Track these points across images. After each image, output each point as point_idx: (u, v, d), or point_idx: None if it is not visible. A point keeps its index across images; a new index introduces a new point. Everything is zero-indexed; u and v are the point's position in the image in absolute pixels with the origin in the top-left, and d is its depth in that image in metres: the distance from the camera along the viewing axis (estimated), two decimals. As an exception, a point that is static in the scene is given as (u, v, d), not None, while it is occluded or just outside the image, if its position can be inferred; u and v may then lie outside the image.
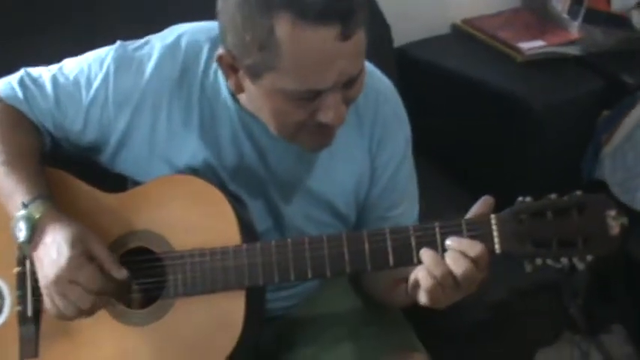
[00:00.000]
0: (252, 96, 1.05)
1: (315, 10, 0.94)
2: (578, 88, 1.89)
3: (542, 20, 2.03)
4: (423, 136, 1.69)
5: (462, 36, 2.08)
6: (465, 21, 2.09)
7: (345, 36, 0.96)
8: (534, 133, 1.83)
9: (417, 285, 1.02)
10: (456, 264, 0.98)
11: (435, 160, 1.82)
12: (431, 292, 1.00)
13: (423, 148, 1.73)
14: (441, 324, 1.45)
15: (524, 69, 1.91)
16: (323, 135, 1.07)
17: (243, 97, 1.10)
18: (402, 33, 1.95)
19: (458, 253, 0.99)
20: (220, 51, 1.03)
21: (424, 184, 1.40)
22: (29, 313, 1.11)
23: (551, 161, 1.87)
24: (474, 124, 1.89)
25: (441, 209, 1.20)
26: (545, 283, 1.59)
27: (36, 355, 1.11)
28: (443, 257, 0.99)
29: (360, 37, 0.99)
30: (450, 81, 1.93)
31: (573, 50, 1.93)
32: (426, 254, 1.00)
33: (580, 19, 1.95)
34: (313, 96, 1.00)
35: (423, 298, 1.02)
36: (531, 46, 1.93)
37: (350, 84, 1.02)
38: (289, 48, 0.96)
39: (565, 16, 1.97)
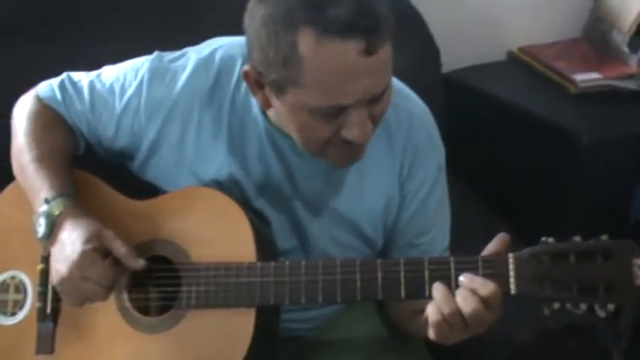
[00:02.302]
0: (278, 112, 1.05)
1: (338, 25, 0.93)
2: (632, 125, 1.82)
3: (601, 52, 1.98)
4: (465, 163, 1.67)
5: (517, 64, 2.04)
6: (521, 49, 2.06)
7: (369, 51, 0.95)
8: (581, 168, 1.78)
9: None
10: (465, 302, 0.96)
11: (476, 188, 1.79)
12: (437, 327, 0.98)
13: (465, 175, 1.71)
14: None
15: (576, 101, 1.86)
16: (350, 151, 1.05)
17: (271, 113, 1.10)
18: (456, 58, 1.93)
19: (469, 291, 0.96)
20: (246, 67, 1.04)
21: (464, 212, 1.37)
22: (48, 310, 1.14)
23: (597, 198, 1.82)
24: (519, 155, 1.86)
25: (479, 238, 1.17)
26: (580, 324, 1.53)
27: (51, 351, 1.14)
28: (454, 294, 0.97)
29: (385, 53, 0.98)
30: (497, 109, 1.90)
31: (630, 85, 1.87)
32: (436, 289, 0.98)
33: (640, 53, 1.89)
34: (337, 112, 0.99)
35: (430, 333, 1.00)
36: (586, 78, 1.88)
37: (375, 100, 1.01)
38: (312, 63, 0.95)
39: (625, 49, 1.91)
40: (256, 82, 1.04)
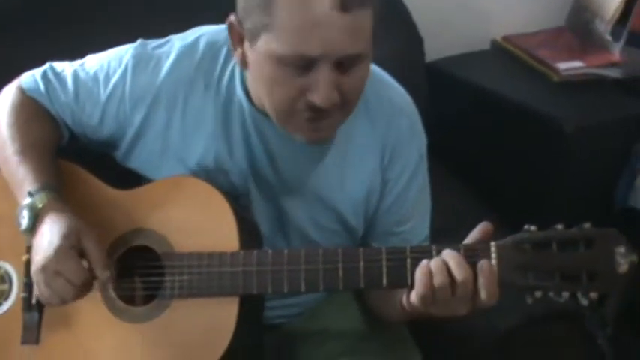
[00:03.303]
0: (252, 67, 1.05)
1: None
2: (615, 113, 1.83)
3: (584, 41, 1.98)
4: (449, 152, 1.68)
5: (501, 53, 2.05)
6: (505, 38, 2.06)
7: (343, 7, 0.95)
8: (565, 155, 1.78)
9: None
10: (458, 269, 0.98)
11: (460, 177, 1.79)
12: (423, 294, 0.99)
13: (449, 164, 1.71)
14: (449, 348, 1.42)
15: (559, 89, 1.87)
16: (317, 122, 1.04)
17: (248, 78, 1.10)
18: (440, 47, 1.93)
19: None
20: (231, 16, 1.04)
21: (447, 201, 1.37)
22: (33, 300, 1.13)
23: (582, 185, 1.83)
24: (504, 143, 1.86)
25: (464, 227, 1.18)
26: (565, 310, 1.54)
27: (37, 341, 1.13)
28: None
29: (362, 18, 0.97)
30: (481, 98, 1.90)
31: (613, 73, 1.88)
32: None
33: (622, 41, 1.90)
34: (305, 65, 0.98)
35: (413, 296, 1.00)
36: (569, 66, 1.88)
37: (344, 67, 1.00)
38: (284, 6, 0.96)
39: (607, 37, 1.92)
40: (238, 35, 1.04)
